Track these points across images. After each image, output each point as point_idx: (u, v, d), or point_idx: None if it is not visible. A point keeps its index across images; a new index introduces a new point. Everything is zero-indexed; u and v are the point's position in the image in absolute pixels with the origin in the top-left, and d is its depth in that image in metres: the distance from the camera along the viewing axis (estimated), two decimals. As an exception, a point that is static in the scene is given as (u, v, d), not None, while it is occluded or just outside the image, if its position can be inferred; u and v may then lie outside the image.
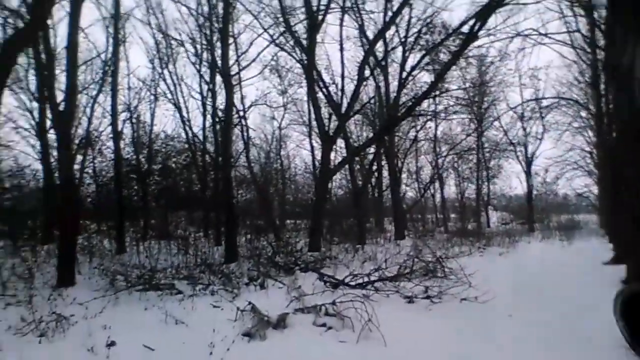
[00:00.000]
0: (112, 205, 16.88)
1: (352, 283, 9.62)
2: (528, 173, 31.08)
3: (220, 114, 17.22)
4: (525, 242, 22.11)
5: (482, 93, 28.17)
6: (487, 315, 7.56)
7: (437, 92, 20.45)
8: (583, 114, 25.91)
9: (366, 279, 9.72)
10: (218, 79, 17.46)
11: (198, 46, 19.23)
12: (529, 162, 30.95)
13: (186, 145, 21.59)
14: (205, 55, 19.47)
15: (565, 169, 29.87)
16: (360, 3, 18.01)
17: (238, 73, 16.79)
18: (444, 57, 18.85)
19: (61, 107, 11.74)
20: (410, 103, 18.25)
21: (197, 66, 19.58)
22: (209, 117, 20.16)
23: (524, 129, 30.82)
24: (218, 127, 18.29)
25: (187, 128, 20.89)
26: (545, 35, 16.78)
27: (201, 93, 20.45)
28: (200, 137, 21.10)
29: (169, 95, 20.92)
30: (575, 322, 6.82)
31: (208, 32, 17.18)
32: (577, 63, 21.73)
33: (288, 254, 12.98)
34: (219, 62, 14.97)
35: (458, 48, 14.51)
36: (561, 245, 20.24)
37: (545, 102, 28.82)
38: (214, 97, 18.32)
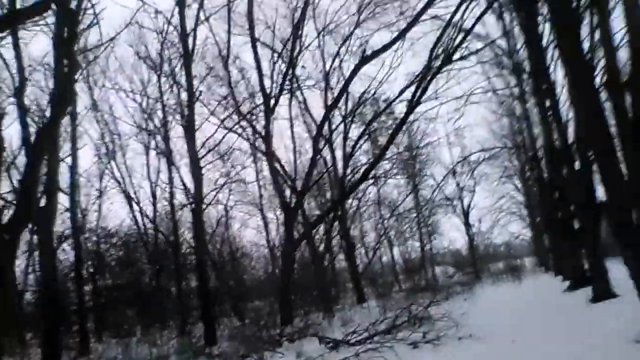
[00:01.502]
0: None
1: (353, 340, 10.10)
2: (467, 224, 33.22)
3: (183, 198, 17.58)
4: (479, 288, 23.43)
5: (415, 155, 30.40)
6: (492, 345, 8.30)
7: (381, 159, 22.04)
8: (510, 163, 28.66)
9: (365, 335, 10.24)
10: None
11: (159, 136, 19.80)
12: (466, 214, 33.18)
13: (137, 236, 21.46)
14: (154, 143, 20.26)
15: (499, 216, 32.33)
16: (303, 86, 19.63)
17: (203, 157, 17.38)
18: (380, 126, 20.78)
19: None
20: (361, 172, 19.60)
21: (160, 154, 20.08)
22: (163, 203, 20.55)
23: (457, 184, 33.26)
24: (181, 212, 18.57)
25: (142, 217, 20.88)
26: (471, 94, 18.84)
27: (149, 179, 20.93)
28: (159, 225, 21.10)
29: (119, 187, 21.13)
30: (569, 329, 7.75)
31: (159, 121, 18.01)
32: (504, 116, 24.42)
33: (267, 328, 13.14)
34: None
35: (402, 116, 16.16)
36: (514, 286, 21.72)
37: (473, 157, 31.38)
38: (171, 183, 18.85)
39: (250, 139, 19.19)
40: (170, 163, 18.95)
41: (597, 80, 9.12)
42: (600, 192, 10.17)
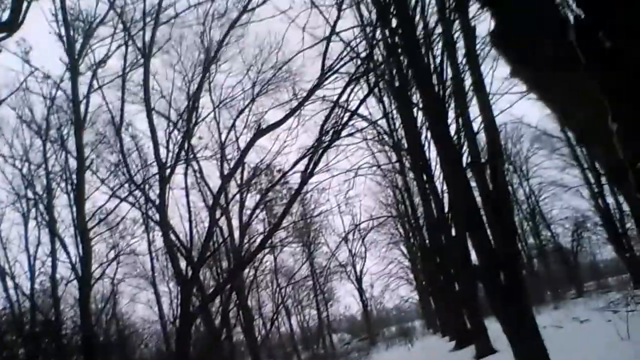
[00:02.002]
0: None
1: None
2: (360, 289, 34.27)
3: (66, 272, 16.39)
4: (375, 353, 24.04)
5: (309, 223, 31.30)
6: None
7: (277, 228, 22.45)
8: (396, 231, 30.53)
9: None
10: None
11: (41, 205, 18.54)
12: (359, 279, 34.31)
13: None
14: (34, 212, 18.96)
15: (389, 281, 33.83)
16: (200, 157, 19.79)
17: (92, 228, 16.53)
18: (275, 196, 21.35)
19: None
20: (257, 241, 19.77)
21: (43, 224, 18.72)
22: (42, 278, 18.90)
23: (350, 251, 34.52)
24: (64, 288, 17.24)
25: (18, 294, 18.99)
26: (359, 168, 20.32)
27: (27, 252, 19.31)
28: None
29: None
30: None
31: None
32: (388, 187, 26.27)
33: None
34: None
35: (297, 186, 16.84)
36: (406, 349, 22.60)
37: (363, 225, 33.01)
38: (53, 256, 17.55)
39: (142, 208, 18.71)
40: (54, 234, 17.73)
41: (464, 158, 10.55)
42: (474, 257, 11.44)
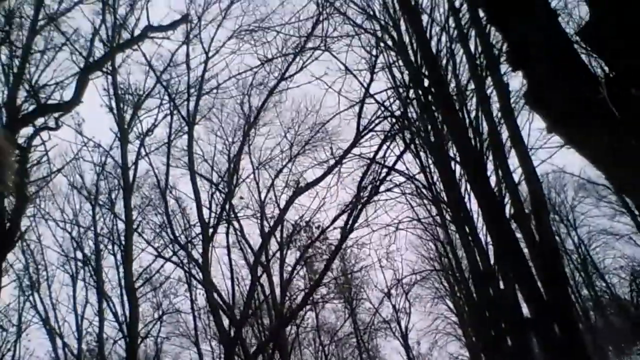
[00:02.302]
0: None
1: None
2: (406, 346, 33.06)
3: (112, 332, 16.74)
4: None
5: (350, 279, 30.90)
6: None
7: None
8: (440, 285, 29.72)
9: None
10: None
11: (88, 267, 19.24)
12: (404, 336, 33.15)
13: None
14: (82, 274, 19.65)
15: (436, 337, 32.53)
16: (241, 216, 20.27)
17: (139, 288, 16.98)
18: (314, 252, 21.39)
19: None
20: (299, 298, 19.72)
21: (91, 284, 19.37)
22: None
23: (394, 306, 33.60)
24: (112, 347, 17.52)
25: (66, 353, 19.42)
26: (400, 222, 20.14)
27: (75, 312, 19.86)
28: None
29: (41, 322, 19.80)
30: None
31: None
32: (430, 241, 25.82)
33: None
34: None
35: (337, 242, 16.91)
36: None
37: (406, 280, 32.25)
38: (101, 316, 18.02)
39: (186, 267, 19.11)
40: (101, 294, 18.26)
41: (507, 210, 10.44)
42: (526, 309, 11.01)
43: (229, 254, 19.94)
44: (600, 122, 3.01)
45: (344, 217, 17.04)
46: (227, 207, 18.46)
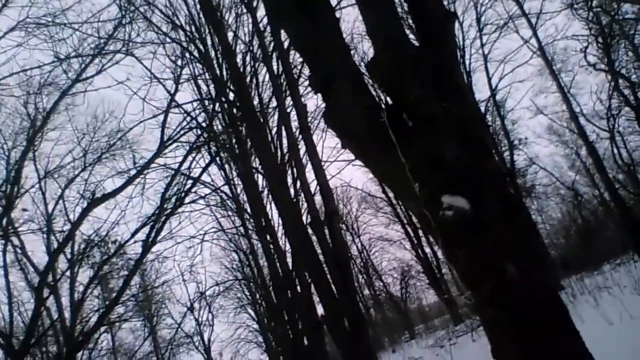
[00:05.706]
0: None
1: None
2: (209, 359, 32.75)
3: None
4: None
5: (150, 295, 29.45)
6: None
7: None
8: (242, 294, 30.33)
9: None
10: None
11: None
12: (207, 349, 32.81)
13: None
14: None
15: (238, 346, 32.96)
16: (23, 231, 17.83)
17: None
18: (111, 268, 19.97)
19: None
20: (93, 319, 18.12)
21: None
22: None
23: (196, 320, 33.02)
24: None
25: None
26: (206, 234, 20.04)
27: None
28: None
29: None
30: None
31: None
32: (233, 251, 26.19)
33: None
34: None
35: (138, 257, 16.12)
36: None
37: (209, 292, 31.97)
38: None
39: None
40: None
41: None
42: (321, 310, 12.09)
43: (6, 275, 17.38)
44: (382, 142, 3.74)
45: (146, 229, 16.35)
46: (4, 220, 16.07)
